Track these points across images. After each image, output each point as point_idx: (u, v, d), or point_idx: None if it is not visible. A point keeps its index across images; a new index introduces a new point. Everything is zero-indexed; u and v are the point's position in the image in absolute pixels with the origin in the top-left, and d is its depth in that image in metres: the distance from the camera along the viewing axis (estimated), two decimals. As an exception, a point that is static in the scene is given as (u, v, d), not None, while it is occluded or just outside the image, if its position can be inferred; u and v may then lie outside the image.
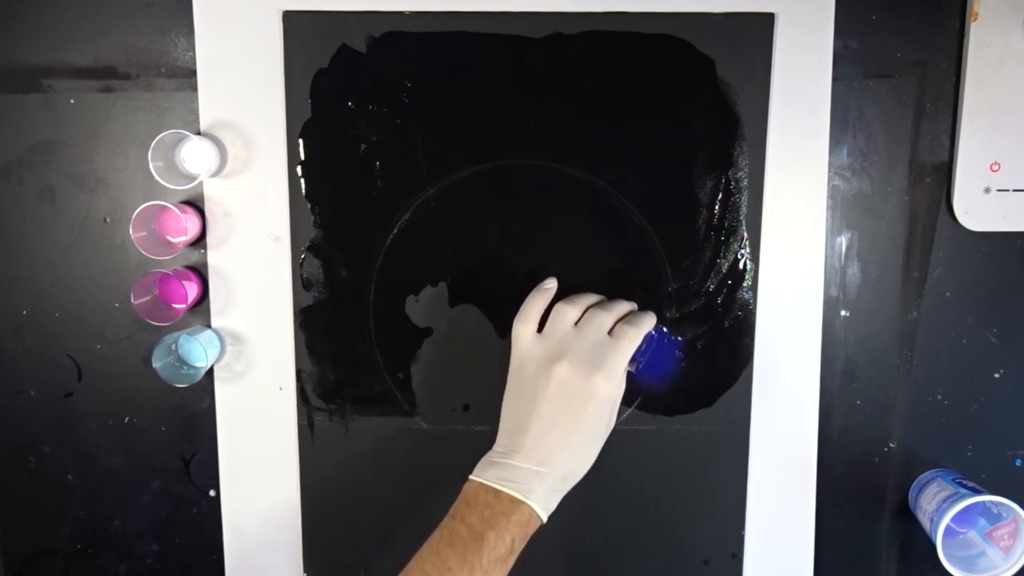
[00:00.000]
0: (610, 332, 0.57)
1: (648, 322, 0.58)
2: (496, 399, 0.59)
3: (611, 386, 0.54)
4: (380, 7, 0.61)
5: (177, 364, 0.63)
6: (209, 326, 0.64)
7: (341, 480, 0.65)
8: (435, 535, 0.53)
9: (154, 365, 0.60)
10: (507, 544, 0.51)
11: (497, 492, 0.52)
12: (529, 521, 0.52)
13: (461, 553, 0.50)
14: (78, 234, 0.64)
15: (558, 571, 0.67)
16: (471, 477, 0.54)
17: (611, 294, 0.61)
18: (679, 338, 0.64)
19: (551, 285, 0.59)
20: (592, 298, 0.59)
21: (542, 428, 0.54)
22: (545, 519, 0.53)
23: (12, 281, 0.64)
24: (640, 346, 0.57)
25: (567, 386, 0.54)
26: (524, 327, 0.57)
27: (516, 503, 0.52)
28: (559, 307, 0.58)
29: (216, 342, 0.63)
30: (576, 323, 0.57)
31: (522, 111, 0.62)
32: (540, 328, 0.58)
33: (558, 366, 0.54)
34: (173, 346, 0.63)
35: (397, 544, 0.66)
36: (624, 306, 0.59)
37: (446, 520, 0.53)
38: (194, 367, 0.63)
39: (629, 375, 0.58)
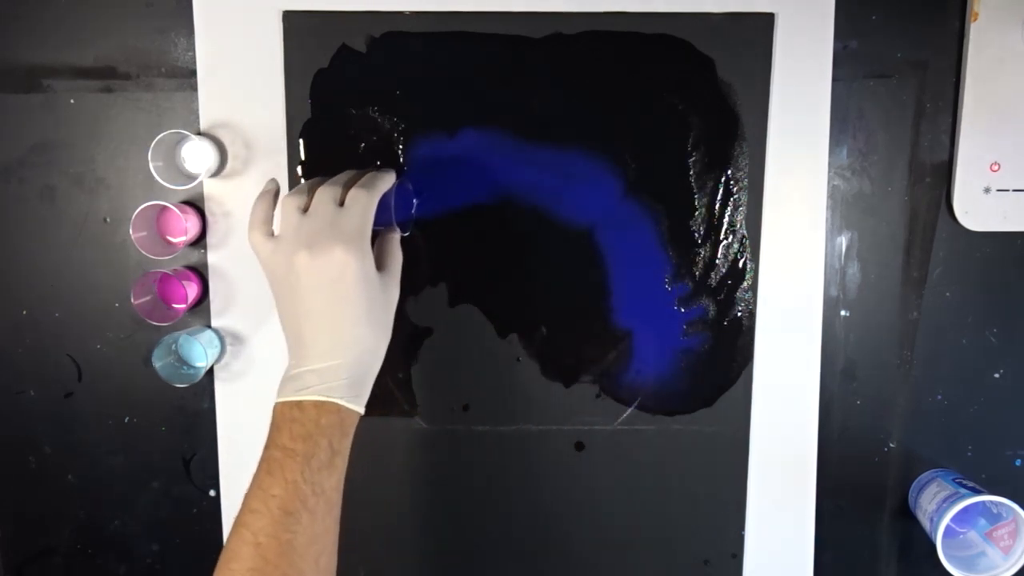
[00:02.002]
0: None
1: (383, 179, 0.54)
2: (496, 399, 0.59)
3: (356, 254, 0.50)
4: (380, 7, 0.61)
5: (177, 364, 0.63)
6: (209, 326, 0.63)
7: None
8: (255, 470, 0.50)
9: (154, 365, 0.60)
10: (324, 449, 0.49)
11: (299, 403, 0.50)
12: (341, 419, 0.50)
13: (280, 475, 0.48)
14: (78, 234, 0.64)
15: (558, 571, 0.67)
16: (275, 401, 0.52)
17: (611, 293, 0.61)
18: None
19: (271, 187, 0.56)
20: (324, 180, 0.55)
21: (313, 324, 0.51)
22: (361, 410, 0.51)
23: (12, 281, 0.64)
24: (390, 202, 0.55)
25: (314, 271, 0.51)
26: (255, 234, 0.53)
27: (319, 405, 0.50)
28: (281, 201, 0.54)
29: (216, 342, 0.63)
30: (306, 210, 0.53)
31: (522, 111, 0.62)
32: None
33: (298, 256, 0.51)
34: (173, 346, 0.63)
35: (397, 545, 0.66)
36: (350, 174, 0.55)
37: (262, 452, 0.50)
38: (194, 367, 0.63)
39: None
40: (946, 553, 0.60)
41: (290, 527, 0.48)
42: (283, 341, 0.64)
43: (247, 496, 0.49)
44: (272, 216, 0.55)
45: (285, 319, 0.53)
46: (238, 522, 0.49)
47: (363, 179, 0.54)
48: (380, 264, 0.54)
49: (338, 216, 0.52)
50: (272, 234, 0.53)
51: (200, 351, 0.63)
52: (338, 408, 0.50)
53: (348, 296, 0.51)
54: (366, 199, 0.52)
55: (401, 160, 0.62)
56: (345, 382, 0.51)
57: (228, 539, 0.48)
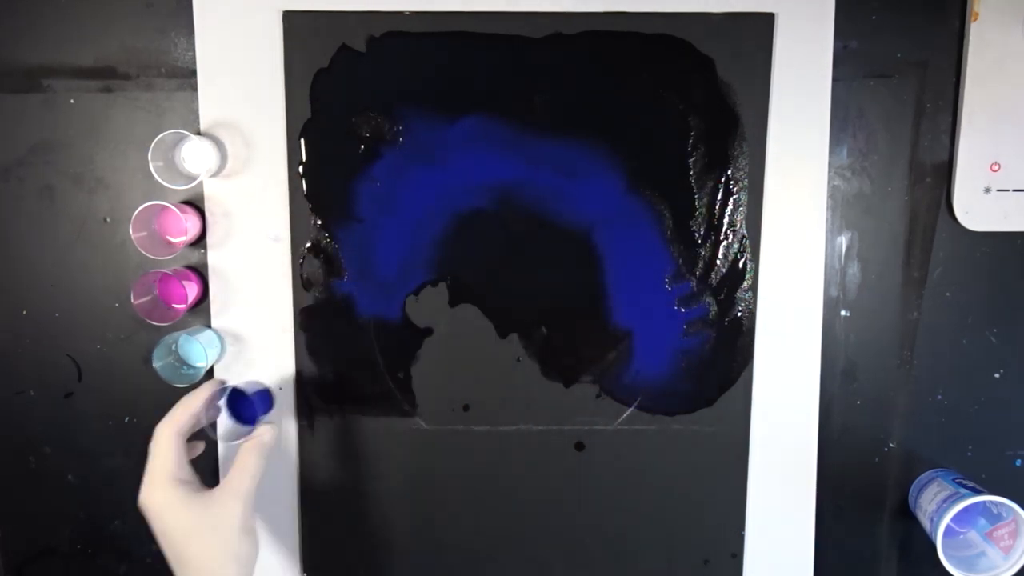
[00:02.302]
0: None
1: (181, 406, 0.56)
2: (496, 399, 0.59)
3: (155, 495, 0.53)
4: (380, 7, 0.61)
5: (177, 364, 0.63)
6: (209, 326, 0.64)
7: (341, 480, 0.65)
8: None
9: (154, 365, 0.60)
10: None
11: None
12: None
13: None
14: (78, 234, 0.64)
15: (558, 571, 0.67)
16: None
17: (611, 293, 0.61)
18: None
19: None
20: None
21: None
22: None
23: (12, 281, 0.64)
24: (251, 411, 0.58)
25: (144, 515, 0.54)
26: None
27: None
28: None
29: (216, 342, 0.63)
30: None
31: (522, 111, 0.62)
32: None
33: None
34: (173, 346, 0.63)
35: (397, 544, 0.66)
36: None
37: None
38: (194, 367, 0.63)
39: None
40: (946, 553, 0.60)
41: None
42: (283, 341, 0.64)
43: None
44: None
45: None
46: None
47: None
48: (224, 478, 0.56)
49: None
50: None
51: (200, 351, 0.63)
52: None
53: (164, 531, 0.53)
54: (156, 435, 0.55)
55: (401, 159, 0.62)
56: None
57: None
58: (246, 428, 0.60)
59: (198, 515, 0.53)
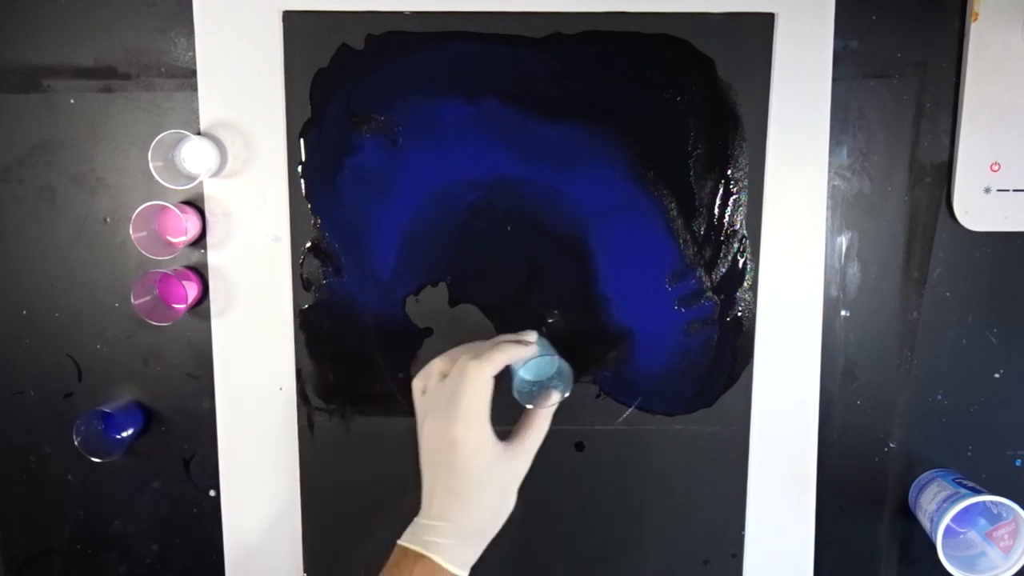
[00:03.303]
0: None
1: (504, 352, 0.54)
2: (496, 399, 0.58)
3: (470, 433, 0.52)
4: (380, 7, 0.61)
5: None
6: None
7: (341, 480, 0.65)
8: None
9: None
10: None
11: (405, 549, 0.53)
12: (434, 574, 0.52)
13: None
14: (78, 234, 0.64)
15: (558, 571, 0.67)
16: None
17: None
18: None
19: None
20: (475, 346, 0.56)
21: (430, 485, 0.54)
22: (463, 573, 0.53)
23: (12, 281, 0.64)
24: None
25: (434, 441, 0.54)
26: (417, 382, 0.57)
27: (417, 557, 0.52)
28: (430, 363, 0.56)
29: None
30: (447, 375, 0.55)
31: (521, 111, 0.62)
32: None
33: (427, 422, 0.54)
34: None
35: (397, 544, 0.66)
36: (488, 344, 0.56)
37: None
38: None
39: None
40: (946, 553, 0.60)
41: None
42: (283, 341, 0.64)
43: None
44: (440, 370, 0.56)
45: (422, 465, 0.55)
46: None
47: (485, 348, 0.55)
48: (515, 434, 0.55)
49: (457, 391, 0.53)
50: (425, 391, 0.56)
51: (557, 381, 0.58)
52: (434, 566, 0.52)
53: (462, 471, 0.53)
54: (475, 374, 0.53)
55: (401, 159, 0.62)
56: (451, 544, 0.53)
57: None
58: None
59: (499, 463, 0.54)
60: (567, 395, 0.56)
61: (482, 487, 0.53)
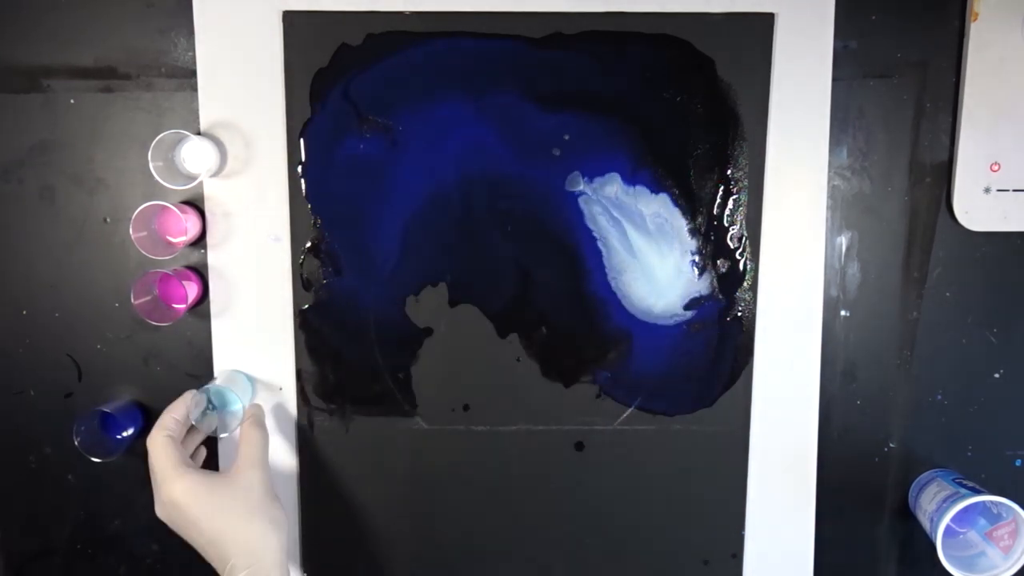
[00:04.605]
0: None
1: (166, 412, 0.58)
2: (496, 399, 0.59)
3: (175, 485, 0.54)
4: (380, 7, 0.61)
5: (211, 409, 0.62)
6: (240, 371, 0.64)
7: (340, 480, 0.65)
8: None
9: (193, 422, 0.59)
10: None
11: None
12: None
13: None
14: (78, 234, 0.64)
15: (558, 571, 0.67)
16: None
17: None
18: None
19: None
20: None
21: (205, 549, 0.55)
22: None
23: (12, 281, 0.64)
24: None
25: (167, 513, 0.55)
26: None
27: None
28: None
29: (246, 384, 0.63)
30: None
31: (521, 111, 0.62)
32: None
33: (157, 508, 0.56)
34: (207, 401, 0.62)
35: (397, 544, 0.66)
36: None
37: None
38: (232, 411, 0.62)
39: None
40: (946, 553, 0.60)
41: None
42: (283, 341, 0.64)
43: None
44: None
45: (190, 541, 0.56)
46: None
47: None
48: (237, 455, 0.58)
49: (150, 468, 0.56)
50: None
51: (234, 397, 0.62)
52: None
53: (197, 514, 0.54)
54: (151, 444, 0.56)
55: (401, 160, 0.62)
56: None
57: None
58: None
59: (223, 493, 0.55)
60: (243, 405, 0.60)
61: (235, 516, 0.54)
